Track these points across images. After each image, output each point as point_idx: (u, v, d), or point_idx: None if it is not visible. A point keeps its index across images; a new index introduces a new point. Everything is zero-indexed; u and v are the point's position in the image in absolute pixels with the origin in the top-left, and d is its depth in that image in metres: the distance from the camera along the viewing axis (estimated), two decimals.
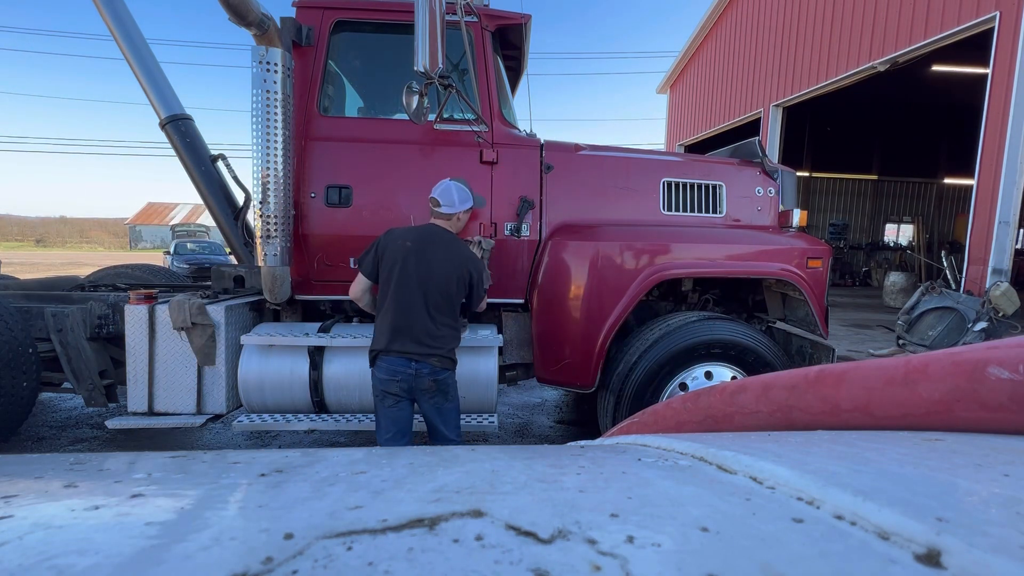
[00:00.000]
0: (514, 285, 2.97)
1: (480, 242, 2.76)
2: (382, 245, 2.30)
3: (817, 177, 18.47)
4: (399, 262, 2.25)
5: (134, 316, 2.70)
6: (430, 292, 2.26)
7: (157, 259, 17.32)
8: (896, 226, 19.29)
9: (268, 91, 2.54)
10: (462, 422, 2.73)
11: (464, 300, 2.41)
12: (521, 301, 3.00)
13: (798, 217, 3.28)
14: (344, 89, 3.35)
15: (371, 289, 2.42)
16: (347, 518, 0.37)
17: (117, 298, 3.00)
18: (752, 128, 12.53)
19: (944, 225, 18.93)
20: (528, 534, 0.34)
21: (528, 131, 3.12)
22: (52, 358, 2.95)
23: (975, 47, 7.36)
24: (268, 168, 2.59)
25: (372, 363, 2.34)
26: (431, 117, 2.62)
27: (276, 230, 2.65)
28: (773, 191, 3.23)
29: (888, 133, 17.80)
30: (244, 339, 2.72)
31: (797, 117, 13.12)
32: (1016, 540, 0.31)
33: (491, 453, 0.59)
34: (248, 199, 3.32)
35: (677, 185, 3.08)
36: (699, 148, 15.29)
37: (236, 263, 3.50)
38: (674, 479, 0.49)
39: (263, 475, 0.48)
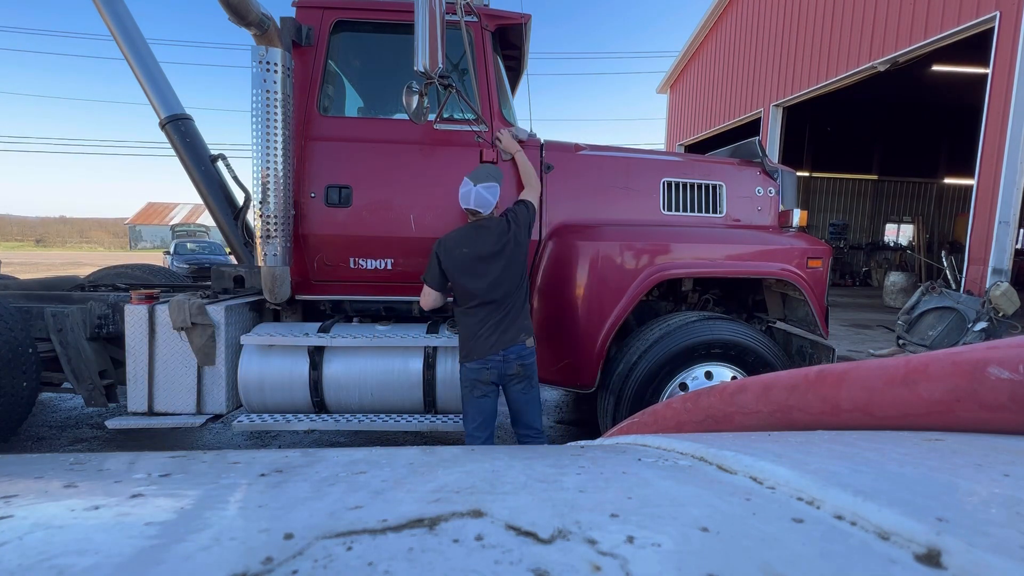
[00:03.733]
0: None
1: (499, 137, 2.80)
2: (443, 259, 2.37)
3: (817, 177, 18.47)
4: (465, 272, 2.34)
5: (134, 316, 2.70)
6: (501, 285, 2.35)
7: (157, 259, 17.32)
8: (896, 226, 19.28)
9: (268, 91, 2.54)
10: (462, 422, 2.73)
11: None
12: (451, 299, 3.00)
13: (798, 217, 3.28)
14: (344, 89, 3.35)
15: (444, 296, 2.51)
16: (347, 518, 0.37)
17: (117, 298, 3.00)
18: (752, 128, 12.53)
19: (944, 225, 18.93)
20: (528, 534, 0.34)
21: (528, 131, 3.12)
22: (52, 358, 2.95)
23: (975, 47, 7.36)
24: (268, 168, 2.59)
25: (462, 363, 2.43)
26: (431, 117, 2.62)
27: (276, 230, 2.65)
28: (773, 191, 3.23)
29: (888, 133, 17.80)
30: (244, 339, 2.72)
31: (797, 117, 13.12)
32: (1016, 540, 0.31)
33: (491, 453, 0.59)
34: (248, 199, 3.32)
35: (677, 185, 3.08)
36: (699, 148, 15.29)
37: (236, 263, 3.50)
38: (674, 479, 0.49)
39: (263, 475, 0.48)
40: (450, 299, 2.51)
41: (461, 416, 2.77)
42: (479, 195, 2.36)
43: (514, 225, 2.42)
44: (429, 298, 2.50)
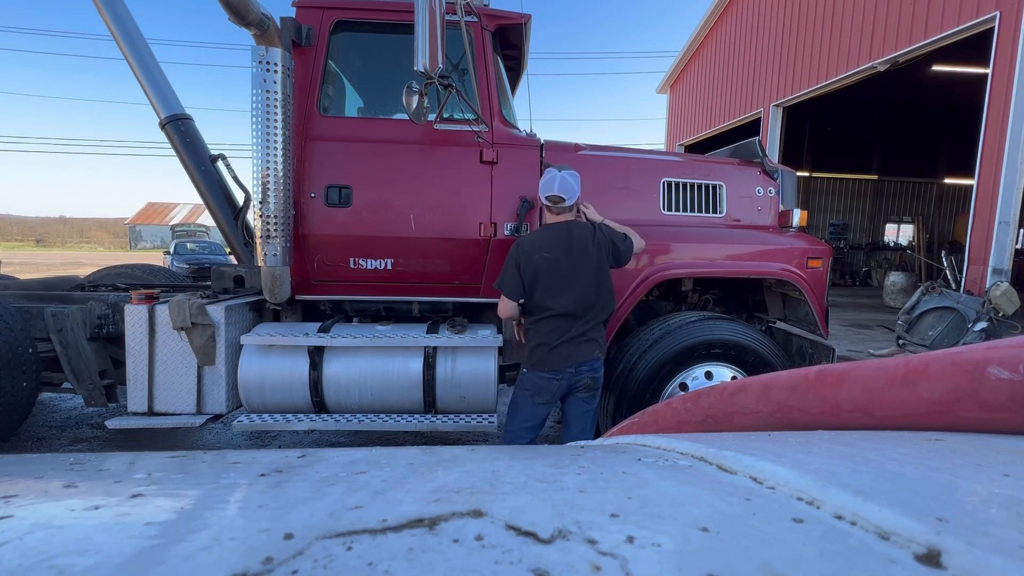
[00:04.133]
0: None
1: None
2: (523, 263, 2.27)
3: (817, 177, 18.47)
4: (545, 275, 2.24)
5: (134, 316, 2.70)
6: (586, 294, 2.26)
7: (157, 259, 17.32)
8: (896, 226, 19.28)
9: (268, 91, 2.54)
10: (462, 422, 2.74)
11: (615, 264, 2.41)
12: (521, 301, 3.00)
13: (798, 217, 3.28)
14: (344, 89, 3.35)
15: (520, 306, 2.37)
16: (347, 518, 0.37)
17: (117, 298, 3.00)
18: (752, 128, 12.53)
19: (944, 225, 18.93)
20: (528, 534, 0.34)
21: (528, 131, 3.12)
22: (52, 358, 2.95)
23: (975, 47, 7.36)
24: (268, 168, 2.59)
25: (530, 369, 2.34)
26: (431, 117, 2.62)
27: (276, 230, 2.65)
28: (773, 191, 3.23)
29: (888, 133, 17.80)
30: (244, 339, 2.72)
31: (797, 117, 13.12)
32: (1016, 540, 0.31)
33: (491, 453, 0.59)
34: (248, 199, 3.32)
35: (677, 185, 3.08)
36: (699, 148, 15.29)
37: (236, 263, 3.50)
38: (674, 479, 0.49)
39: (263, 475, 0.48)
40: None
41: (462, 416, 2.78)
42: (561, 179, 2.27)
43: (601, 233, 2.32)
44: (507, 308, 2.36)
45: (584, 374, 2.29)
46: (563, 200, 2.29)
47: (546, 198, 2.32)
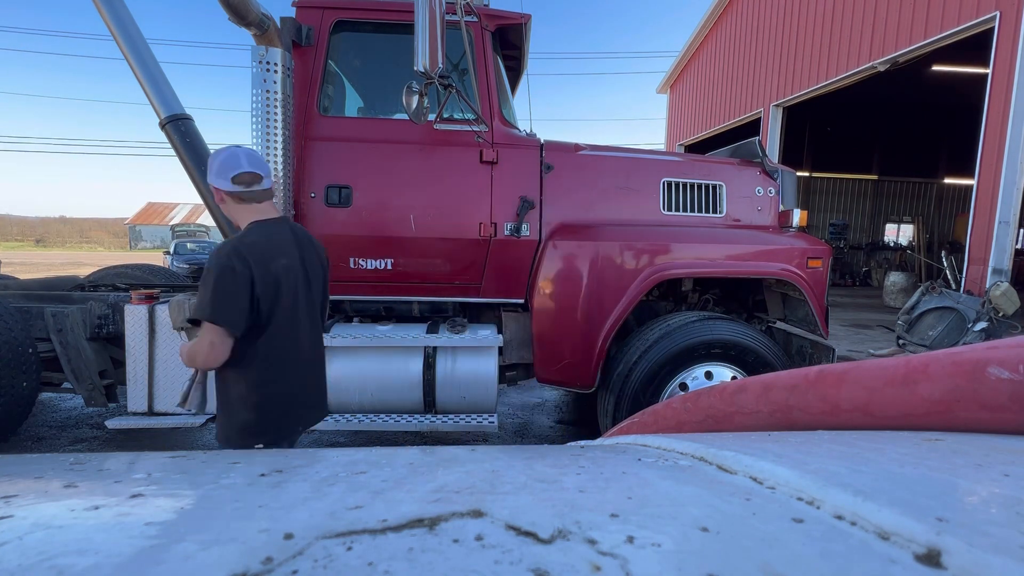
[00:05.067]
0: (514, 285, 2.97)
1: None
2: (257, 275, 1.57)
3: (817, 177, 18.47)
4: (287, 291, 1.68)
5: (134, 316, 2.70)
6: (317, 325, 1.86)
7: (157, 259, 17.32)
8: (896, 226, 19.28)
9: (268, 91, 2.54)
10: (462, 422, 2.74)
11: None
12: (521, 301, 3.00)
13: (798, 217, 3.28)
14: (344, 89, 3.35)
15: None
16: (347, 518, 0.37)
17: (117, 298, 3.00)
18: (752, 128, 12.52)
19: (944, 225, 18.93)
20: (528, 534, 0.34)
21: (528, 131, 3.12)
22: (52, 358, 2.95)
23: (975, 47, 7.36)
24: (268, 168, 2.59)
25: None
26: (431, 117, 2.62)
27: None
28: (773, 191, 3.23)
29: (888, 133, 17.80)
30: None
31: (797, 117, 13.12)
32: (1016, 540, 0.31)
33: (491, 453, 0.59)
34: None
35: (677, 185, 3.08)
36: (699, 148, 15.29)
37: None
38: (674, 479, 0.49)
39: (263, 475, 0.48)
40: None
41: (462, 416, 2.78)
42: (251, 155, 1.63)
43: (310, 239, 1.81)
44: (219, 352, 1.61)
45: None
46: (261, 178, 1.61)
47: (234, 180, 1.56)
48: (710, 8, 14.35)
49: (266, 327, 1.62)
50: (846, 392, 0.67)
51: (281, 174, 2.62)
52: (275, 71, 2.55)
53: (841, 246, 17.77)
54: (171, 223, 40.32)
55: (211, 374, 1.76)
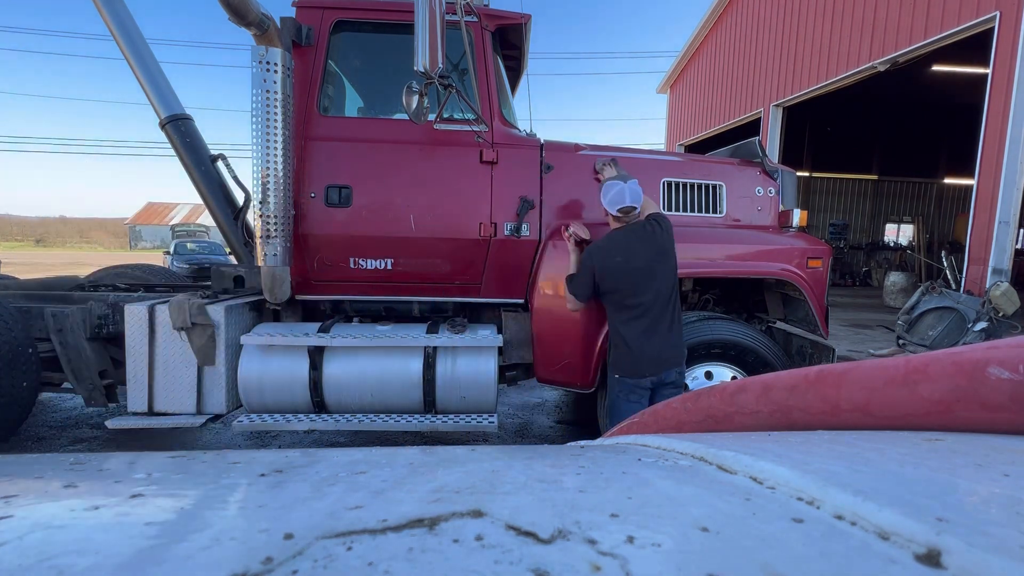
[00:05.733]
0: (514, 285, 2.97)
1: None
2: (598, 268, 2.37)
3: (817, 177, 18.47)
4: (624, 277, 2.33)
5: (134, 316, 2.70)
6: (660, 297, 2.34)
7: (157, 259, 17.32)
8: (896, 226, 19.28)
9: (268, 91, 2.54)
10: (462, 422, 2.73)
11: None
12: (521, 301, 3.00)
13: (798, 217, 3.28)
14: (344, 89, 3.36)
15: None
16: (347, 518, 0.37)
17: (117, 298, 3.00)
18: (752, 128, 12.53)
19: (944, 225, 18.93)
20: (528, 534, 0.34)
21: (528, 131, 3.12)
22: (52, 358, 2.95)
23: (975, 47, 7.36)
24: (268, 168, 2.59)
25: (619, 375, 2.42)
26: (431, 117, 2.63)
27: (276, 230, 2.65)
28: (773, 191, 3.23)
29: (888, 133, 17.80)
30: (244, 339, 2.72)
31: (797, 117, 13.12)
32: (1016, 540, 0.31)
33: (491, 453, 0.59)
34: (248, 199, 3.32)
35: (677, 185, 3.08)
36: (699, 148, 15.29)
37: (236, 263, 3.50)
38: (674, 479, 0.49)
39: (263, 475, 0.48)
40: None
41: (462, 416, 2.78)
42: (630, 191, 2.35)
43: (659, 227, 2.39)
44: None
45: (672, 376, 2.36)
46: (635, 209, 2.37)
47: (618, 210, 2.37)
48: (710, 8, 14.35)
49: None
50: (846, 392, 0.67)
51: (281, 174, 2.62)
52: (275, 71, 2.55)
53: (841, 246, 17.77)
54: (171, 223, 40.32)
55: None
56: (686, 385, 2.44)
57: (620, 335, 2.39)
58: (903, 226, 19.17)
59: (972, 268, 6.92)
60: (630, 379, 2.37)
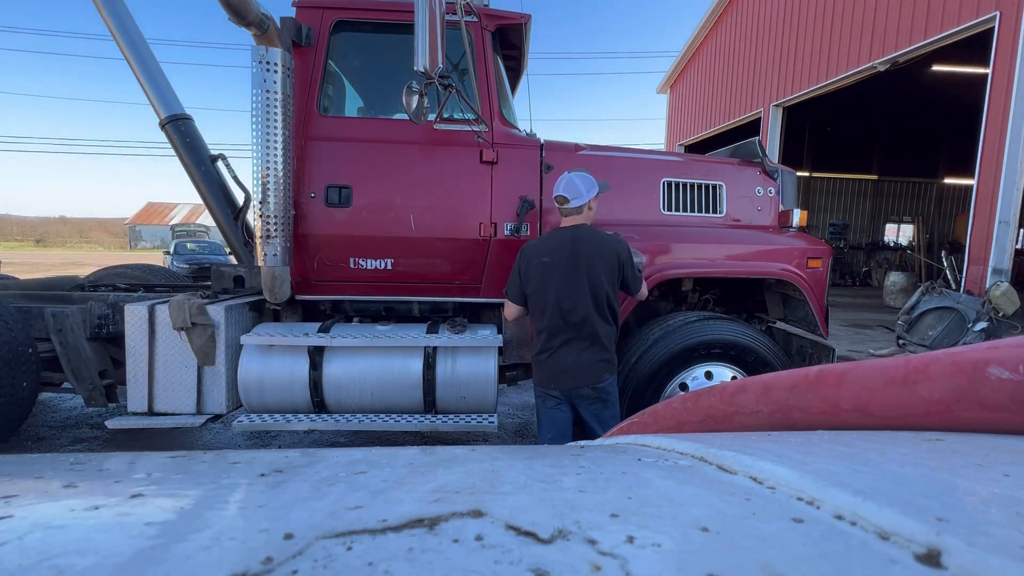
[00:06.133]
0: None
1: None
2: (523, 267, 2.27)
3: (817, 177, 18.47)
4: (542, 281, 2.20)
5: (134, 316, 2.69)
6: (579, 305, 2.18)
7: (157, 259, 17.32)
8: (896, 226, 19.28)
9: (268, 91, 2.54)
10: (462, 422, 2.73)
11: (621, 288, 2.31)
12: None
13: (798, 217, 3.28)
14: (344, 89, 3.35)
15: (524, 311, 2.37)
16: (347, 518, 0.37)
17: (117, 298, 3.00)
18: (752, 128, 12.53)
19: (944, 225, 18.93)
20: (528, 534, 0.34)
21: (528, 131, 3.12)
22: (52, 358, 2.95)
23: (975, 47, 7.36)
24: (268, 168, 2.59)
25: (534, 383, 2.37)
26: (431, 117, 2.63)
27: (276, 230, 2.65)
28: (773, 191, 3.23)
29: (888, 133, 17.80)
30: (244, 339, 2.72)
31: (797, 117, 13.12)
32: (1016, 540, 0.31)
33: (491, 453, 0.59)
34: (248, 199, 3.32)
35: (677, 185, 3.08)
36: (699, 148, 15.29)
37: (236, 263, 3.50)
38: (674, 479, 0.49)
39: (263, 475, 0.48)
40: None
41: (462, 416, 2.78)
42: (568, 180, 2.24)
43: (622, 255, 2.22)
44: (510, 311, 2.40)
45: (582, 390, 2.21)
46: (567, 201, 2.24)
47: (554, 198, 2.31)
48: (710, 8, 14.35)
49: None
50: (846, 392, 0.67)
51: (281, 174, 2.62)
52: (275, 71, 2.55)
53: (841, 246, 17.77)
54: (171, 223, 40.33)
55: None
56: (606, 400, 2.24)
57: (535, 340, 2.30)
58: (903, 226, 19.18)
59: (972, 268, 6.92)
60: (539, 386, 2.31)
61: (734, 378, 2.79)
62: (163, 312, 2.69)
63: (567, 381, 2.21)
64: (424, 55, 2.07)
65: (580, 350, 2.20)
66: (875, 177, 18.87)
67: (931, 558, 0.30)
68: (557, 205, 2.31)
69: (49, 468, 0.53)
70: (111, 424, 2.68)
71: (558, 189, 2.27)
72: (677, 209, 3.07)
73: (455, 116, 2.93)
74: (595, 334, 2.20)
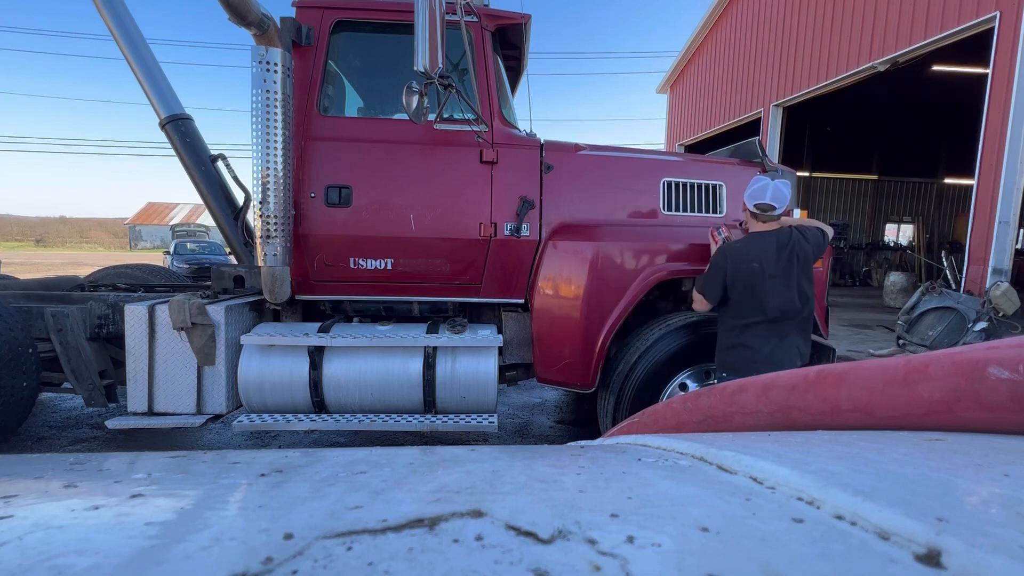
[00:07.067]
0: (514, 285, 2.97)
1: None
2: (730, 270, 2.30)
3: (817, 177, 18.47)
4: (755, 284, 2.25)
5: (134, 316, 2.69)
6: (792, 301, 2.27)
7: (157, 259, 17.31)
8: (896, 226, 19.28)
9: (268, 91, 2.54)
10: (462, 422, 2.73)
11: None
12: (521, 301, 3.00)
13: (798, 217, 3.28)
14: (344, 89, 3.35)
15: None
16: (347, 518, 0.37)
17: (117, 298, 3.00)
18: (752, 128, 12.53)
19: (944, 225, 18.93)
20: (528, 534, 0.34)
21: (528, 131, 3.12)
22: (52, 358, 2.95)
23: (975, 47, 7.36)
24: (268, 168, 2.59)
25: (728, 374, 2.38)
26: (431, 117, 2.63)
27: (276, 230, 2.65)
28: None
29: (888, 133, 17.80)
30: (244, 339, 2.72)
31: (797, 117, 13.12)
32: (1016, 540, 0.31)
33: (491, 453, 0.59)
34: (248, 199, 3.32)
35: (677, 185, 3.08)
36: (699, 148, 15.29)
37: (236, 263, 3.50)
38: (674, 479, 0.49)
39: (263, 475, 0.48)
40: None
41: (462, 416, 2.78)
42: (776, 189, 2.28)
43: (801, 237, 2.31)
44: (702, 306, 2.51)
45: None
46: (774, 209, 2.29)
47: (755, 206, 2.32)
48: (710, 8, 14.35)
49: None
50: (846, 392, 0.67)
51: (281, 174, 2.62)
52: (275, 71, 2.55)
53: (841, 246, 17.76)
54: (171, 223, 40.30)
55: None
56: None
57: (732, 339, 2.33)
58: (903, 226, 19.18)
59: (972, 268, 6.92)
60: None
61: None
62: (163, 312, 2.69)
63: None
64: (424, 55, 2.07)
65: (787, 350, 2.32)
66: (875, 177, 18.87)
67: (931, 558, 0.30)
68: (758, 212, 2.32)
69: (49, 468, 0.53)
70: (111, 424, 2.68)
71: (763, 197, 2.28)
72: (678, 209, 3.07)
73: (455, 116, 2.93)
74: (805, 328, 2.40)
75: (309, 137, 2.82)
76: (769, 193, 2.28)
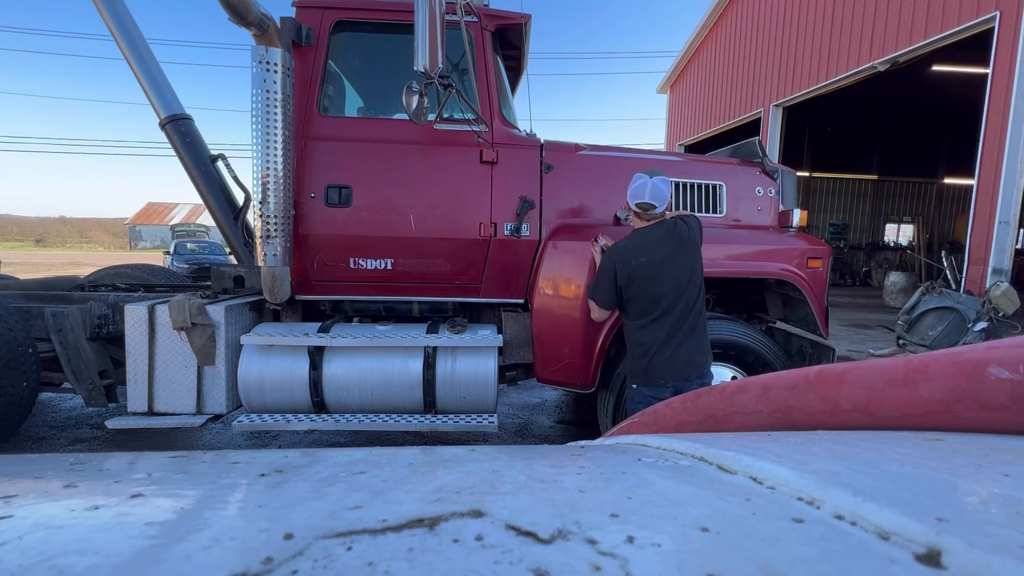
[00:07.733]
0: (514, 285, 2.97)
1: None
2: (619, 268, 2.30)
3: (817, 177, 18.46)
4: (645, 280, 2.26)
5: (134, 316, 2.69)
6: (685, 300, 2.28)
7: (157, 259, 17.31)
8: (896, 226, 19.28)
9: (268, 91, 2.54)
10: (462, 422, 2.74)
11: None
12: (521, 301, 3.00)
13: (798, 217, 3.28)
14: (344, 89, 3.35)
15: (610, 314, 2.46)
16: (347, 518, 0.37)
17: (117, 298, 3.00)
18: (752, 128, 12.52)
19: (944, 225, 18.92)
20: (528, 534, 0.34)
21: (528, 131, 3.12)
22: (52, 358, 2.95)
23: (975, 47, 7.35)
24: (268, 168, 2.59)
25: (637, 384, 2.37)
26: (431, 117, 2.62)
27: (276, 230, 2.65)
28: (773, 191, 3.23)
29: (888, 133, 17.79)
30: (244, 339, 2.72)
31: (797, 117, 13.11)
32: (1016, 540, 0.31)
33: (491, 453, 0.59)
34: (248, 199, 3.32)
35: (677, 185, 3.08)
36: (699, 148, 15.28)
37: (236, 263, 3.50)
38: (674, 479, 0.49)
39: (263, 475, 0.48)
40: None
41: (462, 416, 2.78)
42: (652, 186, 2.28)
43: (684, 225, 2.34)
44: (597, 315, 2.49)
45: (694, 382, 2.28)
46: (654, 207, 2.30)
47: (636, 205, 2.32)
48: (710, 8, 14.35)
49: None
50: (846, 392, 0.67)
51: (281, 174, 2.62)
52: (275, 71, 2.55)
53: (841, 246, 17.76)
54: (171, 223, 40.30)
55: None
56: (700, 385, 2.38)
57: (639, 342, 2.33)
58: (903, 226, 19.17)
59: (972, 268, 6.92)
60: (648, 388, 2.30)
61: (734, 378, 2.79)
62: (163, 312, 2.69)
63: (681, 372, 2.30)
64: (424, 55, 2.07)
65: (687, 339, 2.33)
66: (875, 177, 18.86)
67: (931, 558, 0.30)
68: (639, 211, 2.33)
69: (49, 468, 0.53)
70: (111, 424, 2.68)
71: (642, 196, 2.28)
72: (677, 209, 3.07)
73: (455, 116, 2.92)
74: (698, 323, 2.39)
75: (309, 137, 2.82)
76: (648, 192, 2.28)
